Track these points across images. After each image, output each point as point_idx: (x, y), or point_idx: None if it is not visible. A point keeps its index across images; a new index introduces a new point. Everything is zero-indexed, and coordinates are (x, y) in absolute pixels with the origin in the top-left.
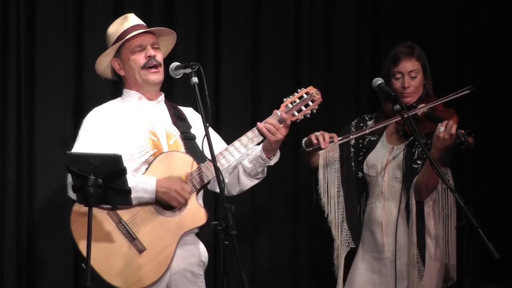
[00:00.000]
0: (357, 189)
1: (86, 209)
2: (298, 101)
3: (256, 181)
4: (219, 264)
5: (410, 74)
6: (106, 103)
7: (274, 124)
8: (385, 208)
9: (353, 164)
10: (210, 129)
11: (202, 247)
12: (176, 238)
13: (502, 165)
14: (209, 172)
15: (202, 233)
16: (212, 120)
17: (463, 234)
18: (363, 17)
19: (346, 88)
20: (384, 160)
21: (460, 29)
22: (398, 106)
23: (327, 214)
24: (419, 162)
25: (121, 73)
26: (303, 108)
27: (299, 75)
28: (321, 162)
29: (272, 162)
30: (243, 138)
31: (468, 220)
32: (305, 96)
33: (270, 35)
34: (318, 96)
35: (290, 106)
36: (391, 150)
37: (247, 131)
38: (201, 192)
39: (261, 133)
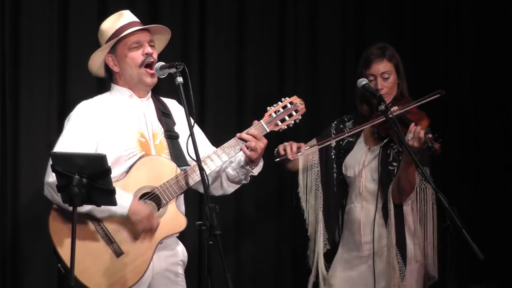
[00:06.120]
0: (338, 190)
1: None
2: (281, 110)
3: (239, 186)
4: (203, 264)
5: (382, 76)
6: (94, 98)
7: (255, 140)
8: (363, 209)
9: (334, 165)
10: (196, 128)
11: (181, 247)
12: (154, 244)
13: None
14: (190, 179)
15: (186, 233)
16: (198, 120)
17: (447, 235)
18: (347, 15)
19: (332, 88)
20: (361, 161)
21: (445, 29)
22: (383, 107)
23: (306, 217)
24: (394, 164)
25: (115, 69)
26: (287, 118)
27: (284, 75)
28: (300, 166)
29: (255, 172)
30: (225, 146)
31: (452, 221)
32: (289, 105)
33: (255, 33)
34: (302, 106)
35: (274, 115)
36: (367, 152)
37: (232, 130)
38: (183, 197)
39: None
